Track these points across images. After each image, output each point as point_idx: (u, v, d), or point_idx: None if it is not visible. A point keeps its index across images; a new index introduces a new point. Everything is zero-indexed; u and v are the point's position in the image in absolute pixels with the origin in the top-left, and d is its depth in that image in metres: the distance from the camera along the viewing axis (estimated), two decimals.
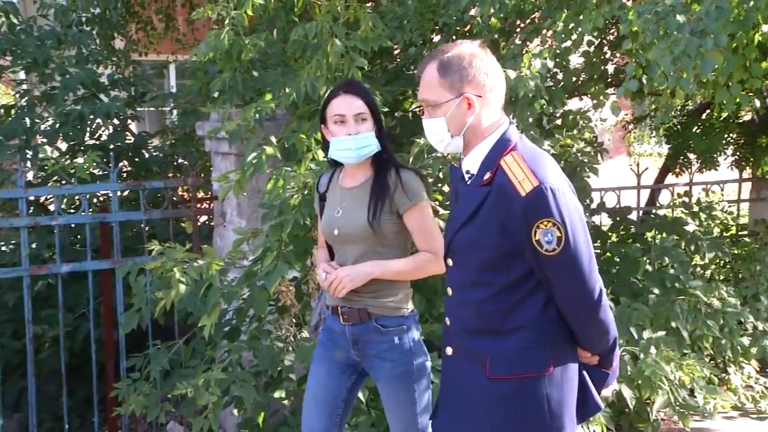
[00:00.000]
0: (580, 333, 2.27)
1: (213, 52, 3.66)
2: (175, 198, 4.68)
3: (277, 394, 3.26)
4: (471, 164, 2.30)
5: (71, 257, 4.68)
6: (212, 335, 3.26)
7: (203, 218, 4.95)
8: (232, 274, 3.68)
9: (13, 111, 5.50)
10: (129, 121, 5.47)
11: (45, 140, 5.30)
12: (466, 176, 2.32)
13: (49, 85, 5.30)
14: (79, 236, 5.11)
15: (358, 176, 2.88)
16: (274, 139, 3.47)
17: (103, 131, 5.51)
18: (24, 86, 5.88)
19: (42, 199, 5.21)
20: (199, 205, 4.60)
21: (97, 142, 5.47)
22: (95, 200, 4.82)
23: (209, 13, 3.65)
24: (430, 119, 2.31)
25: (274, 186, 3.34)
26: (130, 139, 5.51)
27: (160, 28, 7.10)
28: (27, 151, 5.12)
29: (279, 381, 3.28)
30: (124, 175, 5.40)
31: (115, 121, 5.40)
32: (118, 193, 4.31)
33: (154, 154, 5.63)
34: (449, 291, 2.38)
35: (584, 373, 2.33)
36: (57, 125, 5.17)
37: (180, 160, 5.82)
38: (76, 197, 4.93)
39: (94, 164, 4.50)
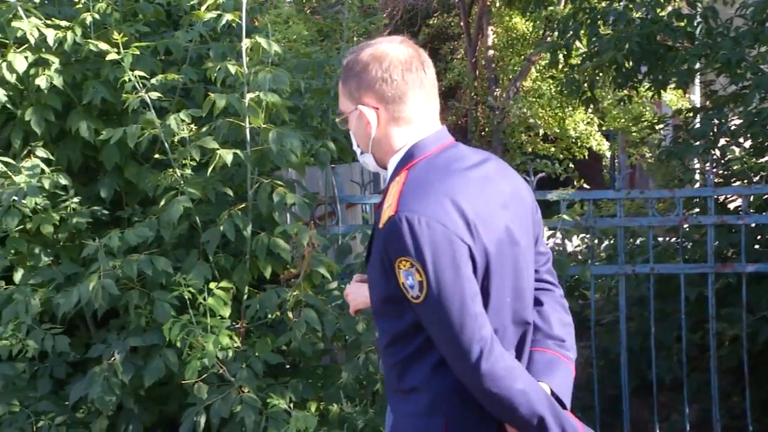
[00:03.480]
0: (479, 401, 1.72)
1: None
2: None
3: None
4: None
5: (754, 257, 4.54)
6: None
7: None
8: None
9: (700, 113, 5.58)
10: None
11: (728, 140, 5.24)
12: None
13: (740, 85, 5.21)
14: (759, 236, 4.92)
15: None
16: None
17: None
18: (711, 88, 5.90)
19: (722, 198, 5.17)
20: None
21: None
22: None
23: None
24: (351, 133, 1.92)
25: None
26: None
27: None
28: (713, 151, 5.14)
29: None
30: None
31: None
32: None
33: None
34: None
35: None
36: (745, 125, 5.05)
37: None
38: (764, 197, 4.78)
39: None
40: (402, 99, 1.80)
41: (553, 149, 12.86)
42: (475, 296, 1.68)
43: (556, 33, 5.96)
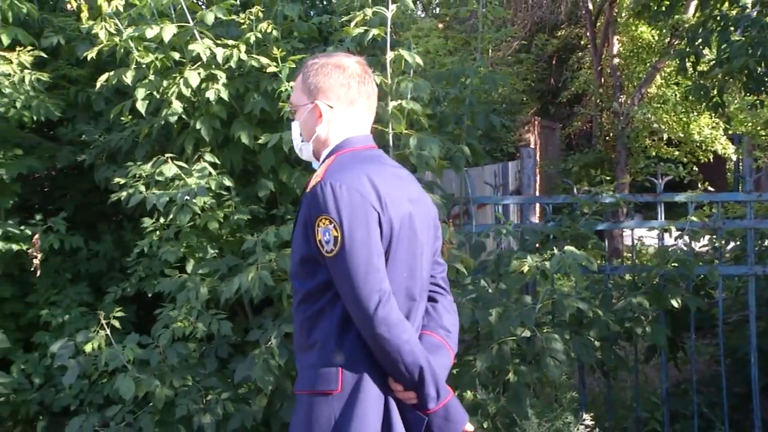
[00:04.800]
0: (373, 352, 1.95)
1: None
2: None
3: None
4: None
5: None
6: None
7: None
8: None
9: None
10: None
11: None
12: None
13: None
14: None
15: None
16: None
17: None
18: None
19: None
20: None
21: None
22: None
23: None
24: (293, 122, 2.20)
25: None
26: None
27: None
28: None
29: None
30: None
31: None
32: None
33: None
34: None
35: (393, 408, 1.98)
36: None
37: None
38: None
39: None
40: (353, 104, 2.12)
41: (676, 153, 12.43)
42: (380, 255, 1.94)
43: (684, 41, 5.84)
